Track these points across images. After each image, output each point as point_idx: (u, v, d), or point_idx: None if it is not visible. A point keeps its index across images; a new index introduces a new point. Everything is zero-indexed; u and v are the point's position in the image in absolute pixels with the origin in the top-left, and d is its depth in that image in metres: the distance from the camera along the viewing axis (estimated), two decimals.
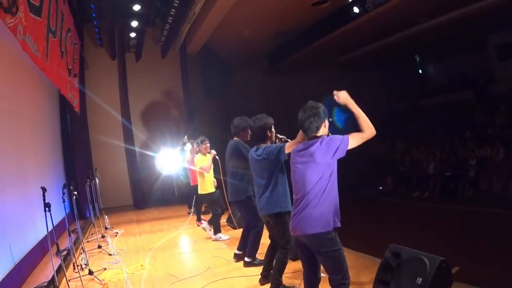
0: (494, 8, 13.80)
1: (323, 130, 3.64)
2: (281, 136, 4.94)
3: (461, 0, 13.64)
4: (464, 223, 11.10)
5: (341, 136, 3.53)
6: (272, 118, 5.05)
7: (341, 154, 3.48)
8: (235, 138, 6.17)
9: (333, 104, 3.63)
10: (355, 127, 3.53)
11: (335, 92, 3.58)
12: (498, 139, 14.33)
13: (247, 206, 6.25)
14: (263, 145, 4.93)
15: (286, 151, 4.50)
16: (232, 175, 6.26)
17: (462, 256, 7.35)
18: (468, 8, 14.09)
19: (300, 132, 4.14)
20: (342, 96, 3.54)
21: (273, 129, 5.02)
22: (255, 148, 5.01)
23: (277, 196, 4.83)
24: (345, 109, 3.50)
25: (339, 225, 3.54)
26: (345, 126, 3.83)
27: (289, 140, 4.67)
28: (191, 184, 10.34)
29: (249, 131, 5.80)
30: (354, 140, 3.47)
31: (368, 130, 3.44)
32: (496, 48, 19.48)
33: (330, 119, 3.85)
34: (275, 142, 4.95)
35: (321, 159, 3.49)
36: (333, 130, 3.75)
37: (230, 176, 6.31)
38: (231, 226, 9.33)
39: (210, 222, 8.58)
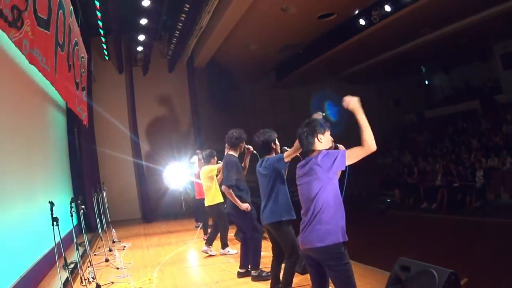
0: (498, 18, 13.87)
1: (321, 143, 3.62)
2: (287, 149, 4.96)
3: (465, 11, 13.68)
4: (472, 234, 11.06)
5: (339, 150, 3.55)
6: (275, 132, 5.24)
7: (339, 167, 3.47)
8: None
9: (324, 98, 3.59)
10: (350, 119, 3.49)
11: (345, 97, 3.51)
12: (505, 148, 14.29)
13: (243, 215, 6.23)
14: (266, 157, 5.12)
15: (285, 160, 4.79)
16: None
17: (471, 268, 7.33)
18: (472, 18, 14.17)
19: (296, 142, 4.26)
20: (353, 102, 3.47)
21: (277, 142, 5.20)
22: (260, 161, 5.18)
23: (278, 206, 4.94)
24: (337, 102, 3.45)
25: (347, 239, 3.51)
26: (338, 119, 3.80)
27: None
28: (196, 197, 10.35)
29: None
30: (352, 154, 3.43)
31: (369, 145, 3.35)
32: (501, 57, 19.49)
33: (324, 114, 3.85)
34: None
35: (320, 173, 3.48)
36: (332, 127, 3.72)
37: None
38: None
39: (208, 241, 8.42)
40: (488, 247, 9.50)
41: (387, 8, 12.31)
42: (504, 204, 12.91)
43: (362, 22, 13.42)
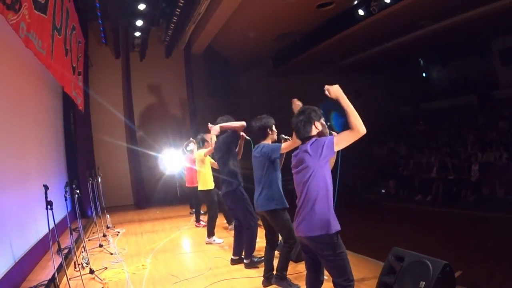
0: (498, 13, 13.85)
1: (318, 130, 3.63)
2: (286, 137, 5.01)
3: (465, 5, 13.63)
4: (467, 227, 11.13)
5: (327, 137, 3.51)
6: (272, 119, 5.24)
7: (329, 154, 3.41)
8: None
9: (330, 107, 3.58)
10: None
11: (326, 86, 3.48)
12: (501, 144, 14.33)
13: (236, 198, 6.27)
14: (263, 143, 5.12)
15: (282, 151, 4.84)
16: (222, 167, 6.43)
17: (465, 260, 7.37)
18: (472, 13, 14.14)
19: (295, 136, 4.23)
20: (334, 91, 3.42)
21: (274, 128, 5.20)
22: (256, 146, 5.20)
23: (271, 193, 5.00)
24: (343, 113, 3.42)
25: (339, 228, 3.49)
26: (342, 130, 3.78)
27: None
28: (187, 185, 10.42)
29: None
30: (341, 139, 3.37)
31: (357, 128, 3.26)
32: (500, 53, 19.57)
33: (328, 123, 3.84)
34: (280, 142, 5.04)
35: (310, 162, 3.47)
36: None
37: (221, 169, 6.46)
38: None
39: (209, 234, 8.30)
40: (482, 241, 9.56)
41: None
42: (498, 199, 12.95)
43: (361, 12, 13.34)
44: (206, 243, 8.11)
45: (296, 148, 3.81)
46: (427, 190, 14.85)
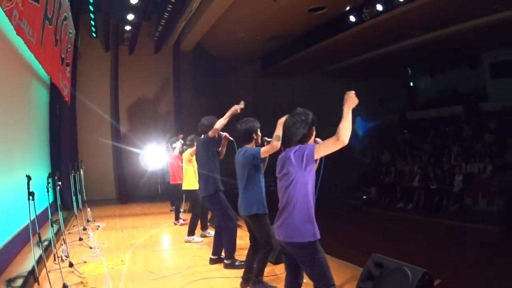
0: (489, 27, 13.96)
1: (311, 136, 3.63)
2: (269, 139, 4.96)
3: (457, 17, 13.75)
4: (448, 237, 11.24)
5: (309, 144, 3.51)
6: (258, 122, 5.21)
7: (310, 162, 3.40)
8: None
9: (356, 113, 3.54)
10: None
11: (348, 91, 3.45)
12: (486, 156, 14.49)
13: (215, 201, 6.31)
14: (246, 147, 5.11)
15: (262, 155, 4.81)
16: (201, 169, 6.48)
17: (445, 270, 7.42)
18: (463, 25, 14.29)
19: (274, 137, 4.36)
20: (350, 95, 3.40)
21: (259, 133, 5.18)
22: (240, 150, 5.19)
23: (253, 198, 5.01)
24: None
25: (319, 237, 3.48)
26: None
27: None
28: (171, 182, 10.44)
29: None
30: (323, 148, 3.35)
31: (343, 137, 3.18)
32: (490, 66, 19.75)
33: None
34: (263, 145, 5.02)
35: (292, 169, 3.46)
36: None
37: (200, 171, 6.53)
38: (213, 226, 9.27)
39: (190, 232, 8.35)
40: (463, 252, 9.64)
41: (379, 7, 12.29)
42: (481, 210, 13.05)
43: (352, 18, 13.41)
44: (185, 241, 8.14)
45: (280, 152, 3.82)
46: (409, 198, 14.94)
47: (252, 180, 5.02)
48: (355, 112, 3.38)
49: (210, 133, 6.14)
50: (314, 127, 3.64)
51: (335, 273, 5.05)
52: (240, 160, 5.09)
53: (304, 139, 3.56)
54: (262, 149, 4.83)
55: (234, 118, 5.73)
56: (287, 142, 3.67)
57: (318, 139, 3.70)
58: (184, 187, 8.53)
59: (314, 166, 3.53)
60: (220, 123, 5.98)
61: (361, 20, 13.13)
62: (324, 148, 3.33)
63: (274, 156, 3.91)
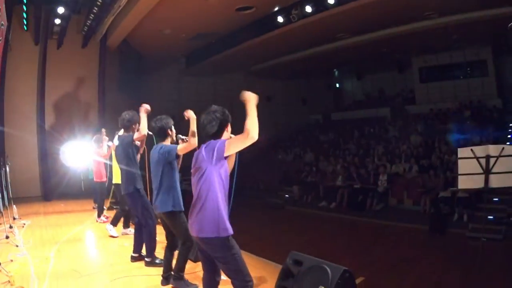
0: (420, 32, 14.42)
1: (225, 134, 3.70)
2: (183, 137, 5.13)
3: (387, 22, 14.12)
4: (372, 236, 11.46)
5: (220, 140, 3.59)
6: (172, 120, 5.34)
7: (219, 157, 3.50)
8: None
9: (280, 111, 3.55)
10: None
11: (244, 91, 3.51)
12: (412, 157, 14.95)
13: (135, 199, 6.30)
14: (161, 144, 5.19)
15: (179, 153, 4.96)
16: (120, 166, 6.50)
17: (369, 268, 7.58)
18: (394, 30, 14.74)
19: (190, 132, 4.57)
20: (246, 95, 3.47)
21: (173, 129, 5.31)
22: (155, 146, 5.26)
23: (169, 195, 5.07)
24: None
25: (231, 233, 3.53)
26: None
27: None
28: (95, 180, 10.29)
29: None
30: (232, 144, 3.46)
31: (251, 133, 3.32)
32: (419, 70, 20.69)
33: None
34: (177, 143, 5.17)
35: (203, 164, 3.54)
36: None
37: (120, 167, 6.52)
38: (133, 223, 9.17)
39: (113, 222, 8.38)
40: (387, 250, 9.86)
41: (308, 8, 12.46)
42: (406, 210, 13.49)
43: (280, 19, 13.51)
44: (122, 234, 8.29)
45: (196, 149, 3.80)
46: (332, 197, 15.24)
47: (167, 177, 5.07)
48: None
49: (136, 137, 6.11)
50: (228, 124, 3.74)
51: (255, 270, 5.09)
52: (155, 157, 5.12)
53: (217, 136, 3.65)
54: (179, 146, 4.96)
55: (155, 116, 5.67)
56: (202, 139, 3.75)
57: (233, 135, 3.78)
58: (114, 181, 8.38)
59: (228, 162, 3.60)
60: (145, 128, 5.92)
61: (289, 21, 13.26)
62: (235, 143, 3.46)
63: (191, 155, 3.85)
